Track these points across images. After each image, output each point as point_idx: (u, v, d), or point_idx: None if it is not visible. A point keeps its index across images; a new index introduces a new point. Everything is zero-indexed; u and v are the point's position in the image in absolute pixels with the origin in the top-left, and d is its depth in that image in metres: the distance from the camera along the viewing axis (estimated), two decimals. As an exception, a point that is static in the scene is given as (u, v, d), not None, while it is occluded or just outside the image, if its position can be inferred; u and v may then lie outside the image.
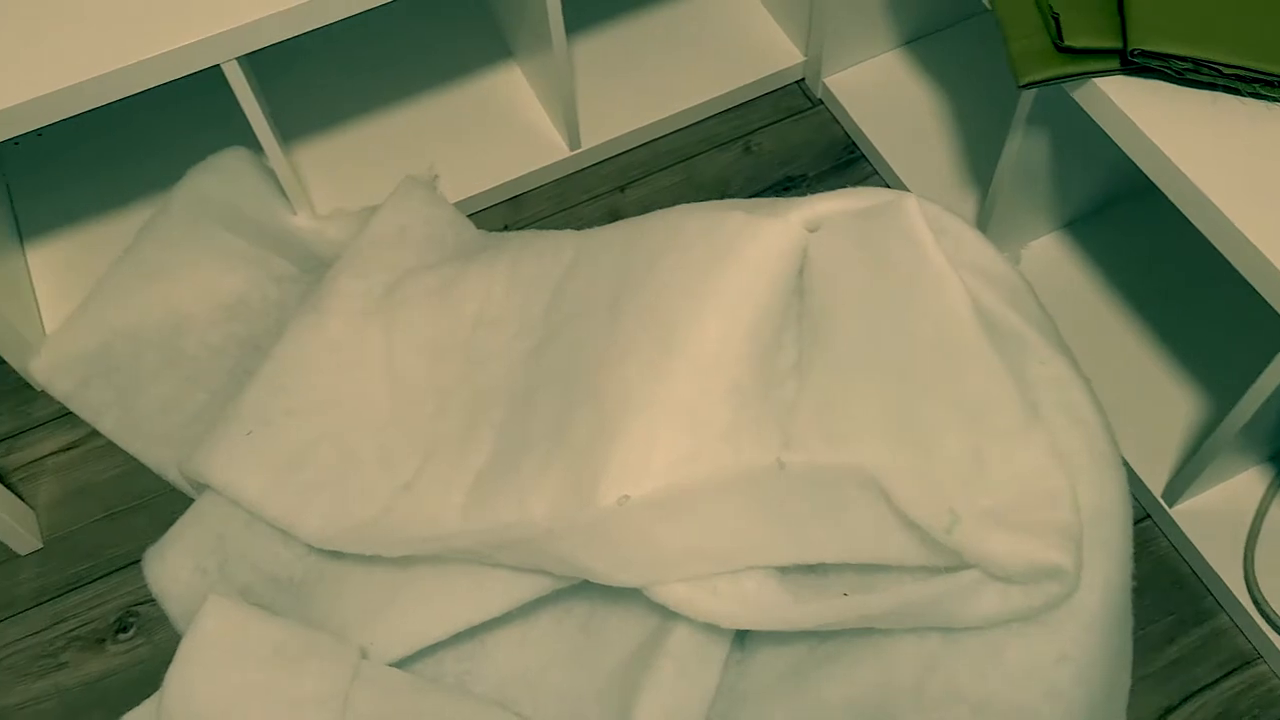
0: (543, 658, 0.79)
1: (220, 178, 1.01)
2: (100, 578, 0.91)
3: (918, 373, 0.67)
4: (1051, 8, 0.72)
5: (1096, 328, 0.94)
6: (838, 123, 1.12)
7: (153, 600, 0.89)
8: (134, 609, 0.90)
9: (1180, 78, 0.71)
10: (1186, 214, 0.70)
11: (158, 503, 0.94)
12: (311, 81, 1.13)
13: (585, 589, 0.78)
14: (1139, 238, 0.98)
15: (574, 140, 1.09)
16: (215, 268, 1.00)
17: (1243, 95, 0.71)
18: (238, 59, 0.84)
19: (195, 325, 0.99)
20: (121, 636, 0.88)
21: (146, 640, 0.88)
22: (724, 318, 0.70)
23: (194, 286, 1.00)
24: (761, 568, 0.69)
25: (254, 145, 1.03)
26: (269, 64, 1.14)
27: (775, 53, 1.14)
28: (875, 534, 0.65)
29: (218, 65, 0.85)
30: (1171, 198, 0.71)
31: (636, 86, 1.12)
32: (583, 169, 1.11)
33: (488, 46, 1.15)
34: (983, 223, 0.96)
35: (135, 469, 0.96)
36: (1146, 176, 0.73)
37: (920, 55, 1.12)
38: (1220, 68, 0.69)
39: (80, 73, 0.80)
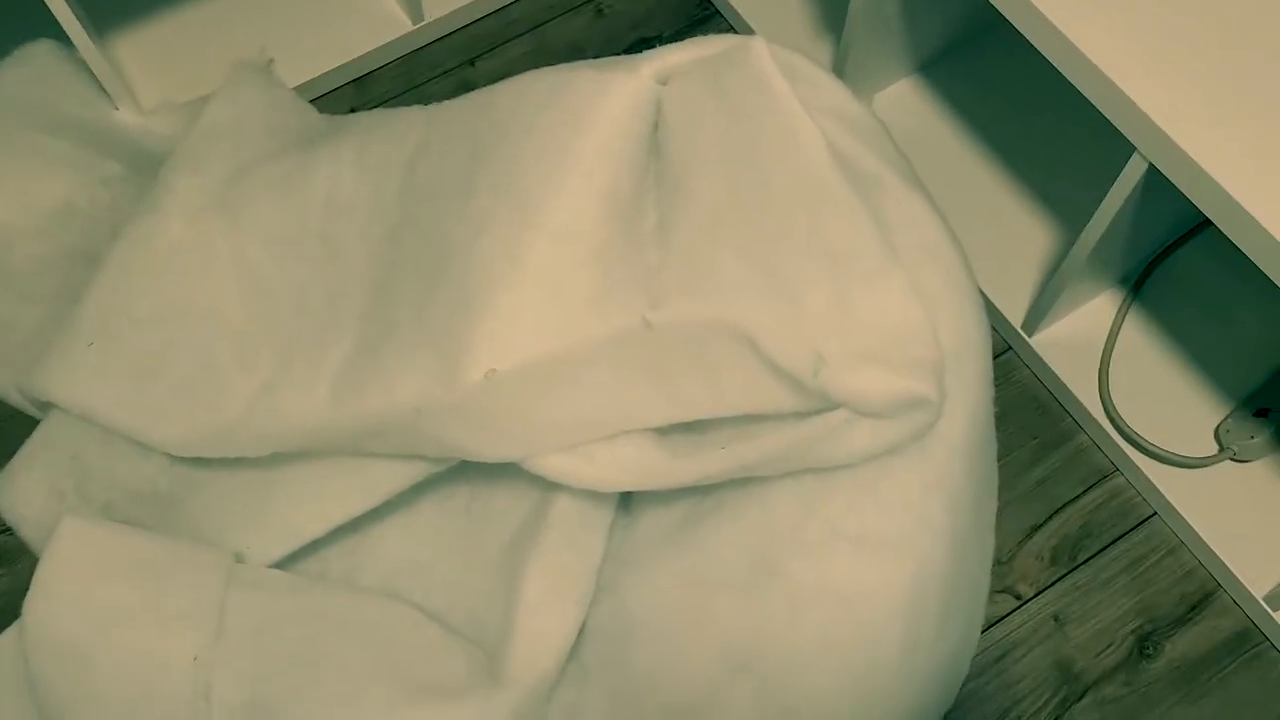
0: (429, 545, 0.78)
1: (28, 74, 0.93)
2: (-50, 511, 0.86)
3: (778, 222, 0.66)
4: None
5: (952, 168, 0.95)
6: (688, -22, 1.09)
7: (8, 530, 0.85)
8: (-11, 538, 0.85)
9: (1019, -99, 0.70)
10: (1022, 30, 0.70)
11: (3, 428, 0.89)
12: (121, -35, 1.04)
13: (465, 473, 0.77)
14: (991, 76, 0.99)
15: (416, 13, 1.03)
16: (36, 174, 0.93)
17: (1080, -84, 0.70)
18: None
19: (20, 238, 0.92)
20: (-23, 567, 0.84)
21: (7, 570, 0.84)
22: (580, 181, 0.68)
23: (14, 196, 0.92)
24: (638, 431, 0.68)
25: (64, 38, 0.95)
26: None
27: (618, -93, 1.09)
28: (746, 385, 0.65)
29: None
30: (1004, 13, 0.71)
31: (476, -49, 1.07)
32: (429, 43, 1.06)
33: (312, -84, 1.08)
34: (838, 70, 0.95)
35: (-25, 395, 0.90)
36: (993, 9, 0.72)
37: (766, -98, 1.09)
38: (1057, -112, 0.68)
39: None
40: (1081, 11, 0.68)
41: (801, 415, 0.64)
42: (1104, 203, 0.74)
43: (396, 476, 0.72)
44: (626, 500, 0.76)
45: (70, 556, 0.68)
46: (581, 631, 0.71)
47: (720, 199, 0.68)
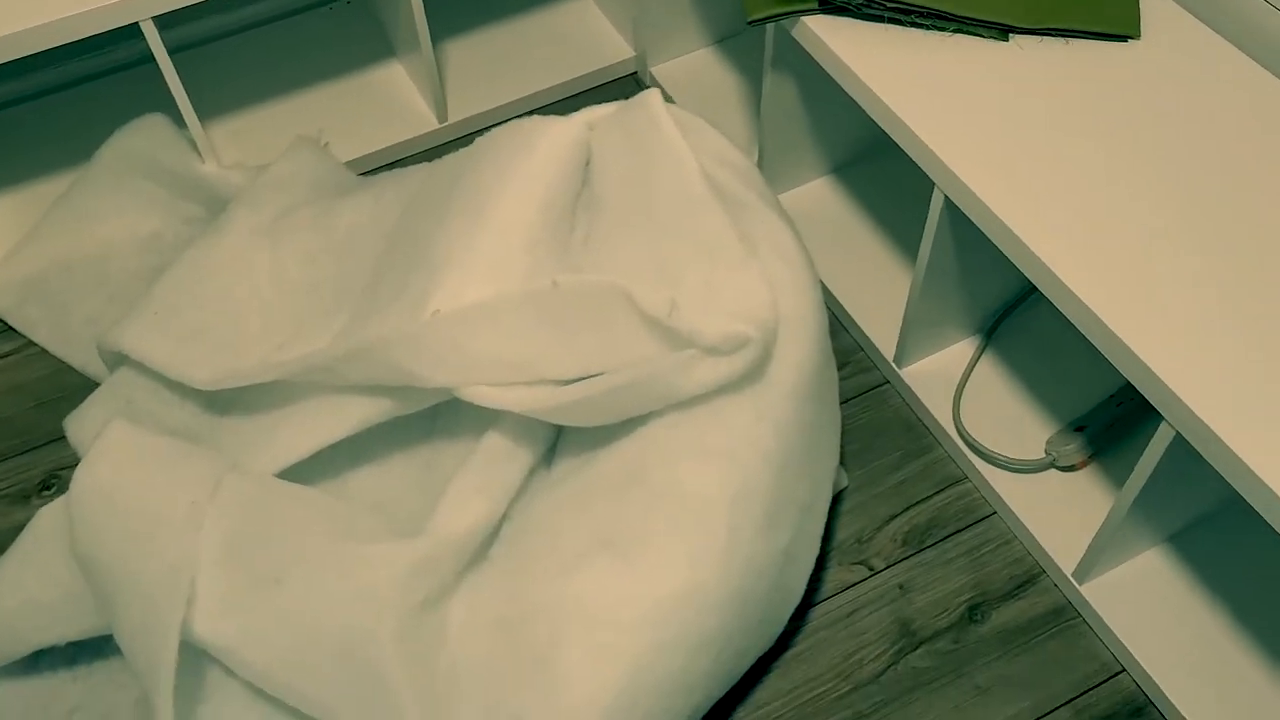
0: (392, 487, 0.98)
1: (141, 135, 1.22)
2: (28, 451, 1.09)
3: (662, 224, 0.89)
4: (767, -35, 0.97)
5: (851, 244, 1.18)
6: (662, 104, 1.36)
7: (72, 466, 1.07)
8: (56, 473, 1.07)
9: (859, 12, 0.95)
10: (862, 105, 0.94)
11: (80, 395, 1.12)
12: (229, 74, 1.36)
13: (428, 436, 0.98)
14: (890, 178, 1.23)
15: (442, 115, 1.32)
16: (136, 211, 1.21)
17: (904, 25, 0.95)
18: (153, 19, 1.07)
19: (118, 255, 1.19)
20: (44, 493, 1.06)
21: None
22: (521, 190, 0.91)
23: (118, 225, 1.20)
24: (550, 383, 0.89)
25: (172, 112, 1.25)
26: (193, 57, 1.37)
27: (610, 48, 1.38)
28: (627, 337, 0.85)
29: (138, 27, 1.07)
30: (852, 94, 0.95)
31: (495, 76, 1.36)
32: (450, 140, 1.34)
33: (375, 47, 1.39)
34: (761, 166, 1.20)
35: (63, 370, 1.14)
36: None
37: (728, 50, 1.37)
38: (885, 3, 0.94)
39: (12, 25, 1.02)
40: (896, 83, 0.92)
41: (663, 358, 0.84)
42: (922, 241, 0.95)
43: (368, 410, 0.93)
44: (548, 459, 0.95)
45: (114, 440, 0.89)
46: (495, 538, 0.90)
47: (623, 209, 0.91)
